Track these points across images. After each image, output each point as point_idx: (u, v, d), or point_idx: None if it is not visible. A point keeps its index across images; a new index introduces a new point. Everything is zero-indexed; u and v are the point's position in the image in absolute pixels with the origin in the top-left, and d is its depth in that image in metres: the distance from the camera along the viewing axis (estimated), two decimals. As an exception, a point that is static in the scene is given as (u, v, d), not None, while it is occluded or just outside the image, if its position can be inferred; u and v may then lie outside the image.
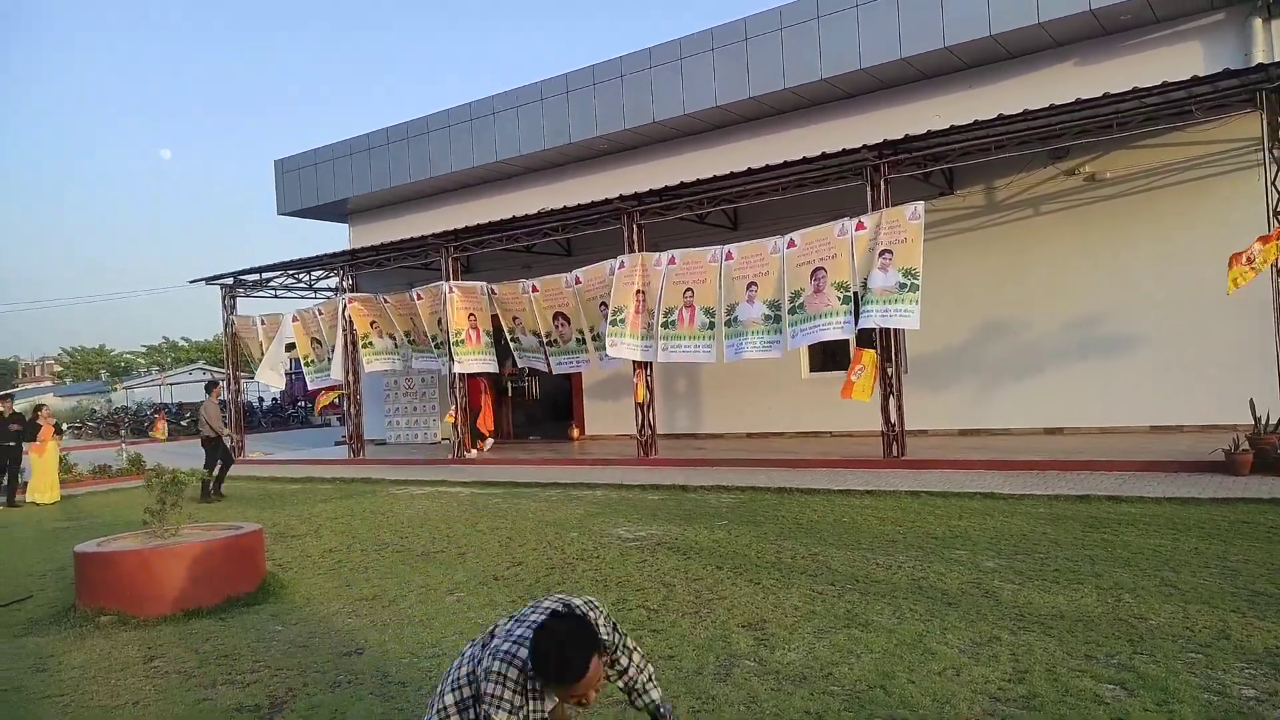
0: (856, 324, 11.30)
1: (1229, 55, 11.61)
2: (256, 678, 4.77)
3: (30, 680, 4.97)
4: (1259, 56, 11.25)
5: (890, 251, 11.04)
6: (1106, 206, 12.86)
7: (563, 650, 2.64)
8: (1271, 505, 7.56)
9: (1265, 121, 9.56)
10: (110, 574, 6.22)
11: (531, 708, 2.74)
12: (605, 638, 2.92)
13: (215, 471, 13.48)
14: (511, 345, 15.52)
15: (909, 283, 10.91)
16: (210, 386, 14.50)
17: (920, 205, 10.99)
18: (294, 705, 4.31)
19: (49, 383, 76.74)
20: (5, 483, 14.23)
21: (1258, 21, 11.56)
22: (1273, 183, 9.51)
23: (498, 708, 2.69)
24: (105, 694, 4.66)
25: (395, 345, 17.35)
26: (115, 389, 40.95)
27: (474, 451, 16.83)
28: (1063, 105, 10.25)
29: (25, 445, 14.54)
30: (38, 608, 6.83)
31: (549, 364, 15.04)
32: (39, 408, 15.25)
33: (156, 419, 33.26)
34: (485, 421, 18.21)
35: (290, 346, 18.49)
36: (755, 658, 4.55)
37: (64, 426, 23.13)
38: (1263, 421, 9.49)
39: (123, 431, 36.17)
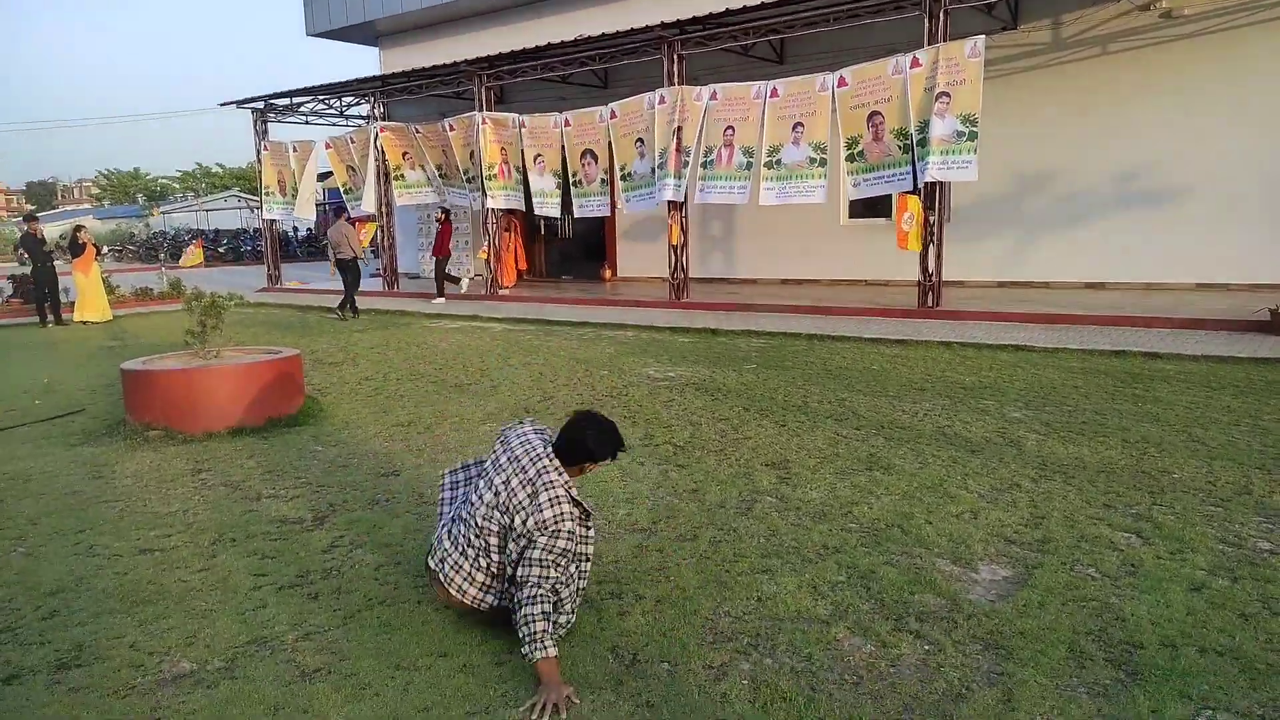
0: (915, 175, 10.89)
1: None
2: (299, 493, 5.00)
3: (87, 486, 5.26)
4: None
5: (948, 95, 10.48)
6: (1178, 47, 12.02)
7: (612, 429, 3.22)
8: (1312, 367, 7.43)
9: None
10: (156, 391, 6.44)
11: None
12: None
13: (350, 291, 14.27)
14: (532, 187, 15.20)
15: (967, 130, 10.41)
16: (339, 211, 15.29)
17: (980, 40, 10.34)
18: (334, 520, 4.53)
19: (87, 205, 77.50)
20: (49, 302, 14.62)
21: None
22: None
23: (566, 518, 3.07)
24: (157, 501, 4.92)
25: (428, 178, 17.12)
26: (153, 213, 41.22)
27: (506, 289, 16.89)
28: (1146, -69, 9.40)
29: (63, 265, 14.87)
30: (90, 420, 7.14)
31: (569, 207, 14.72)
32: (79, 228, 15.44)
33: (193, 245, 33.66)
34: (509, 262, 18.01)
35: (324, 176, 18.34)
36: (777, 494, 4.67)
37: (104, 248, 23.50)
38: (1316, 282, 9.20)
39: (161, 256, 36.71)
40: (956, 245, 13.15)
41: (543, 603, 2.96)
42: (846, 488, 4.73)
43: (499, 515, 3.16)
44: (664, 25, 13.05)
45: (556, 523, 3.04)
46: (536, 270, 20.51)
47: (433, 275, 16.13)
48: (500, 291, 16.35)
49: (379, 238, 18.67)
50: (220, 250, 35.88)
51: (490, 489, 3.22)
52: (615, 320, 12.19)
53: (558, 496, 3.07)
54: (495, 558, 3.17)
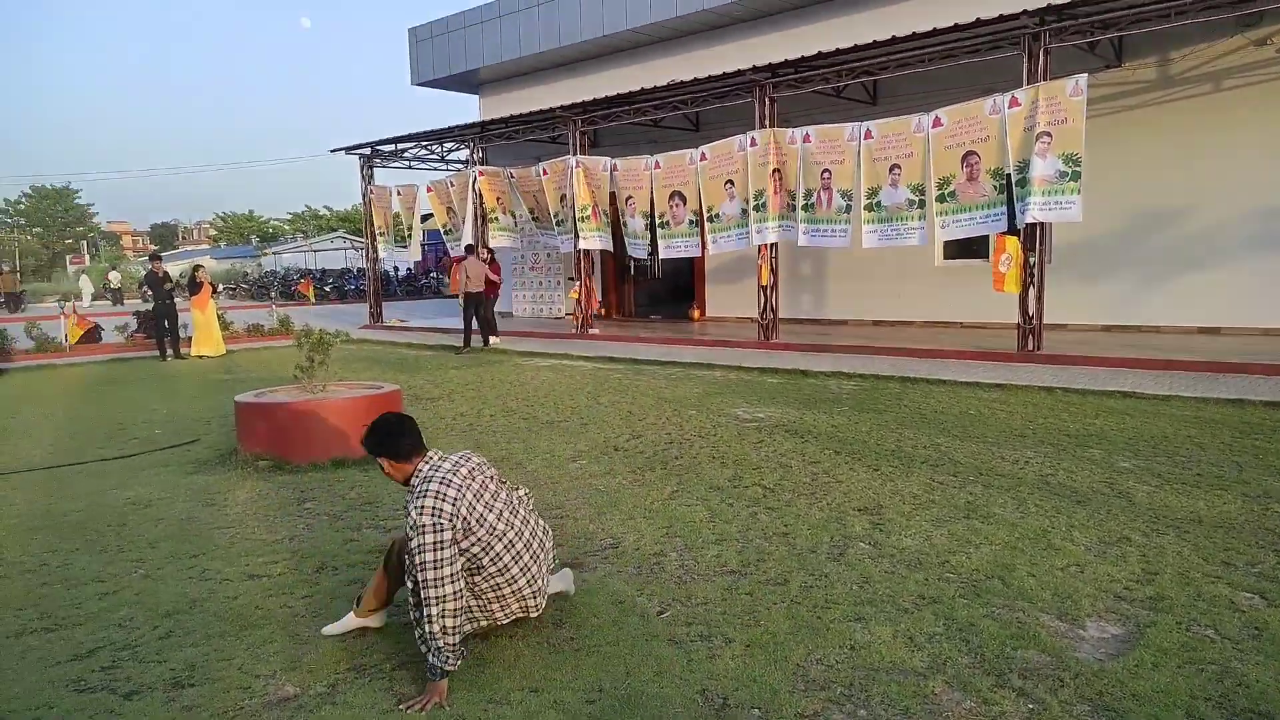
0: (1013, 216, 10.65)
1: None
2: (396, 524, 5.14)
3: (201, 512, 5.53)
4: None
5: (1049, 134, 10.24)
6: (1300, 83, 11.47)
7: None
8: None
9: None
10: (266, 423, 6.75)
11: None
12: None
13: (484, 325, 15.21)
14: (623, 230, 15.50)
15: (1070, 170, 10.13)
16: (470, 249, 16.13)
17: (1083, 79, 10.08)
18: (430, 552, 4.63)
19: (205, 245, 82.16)
20: (169, 337, 15.49)
21: None
22: None
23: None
24: (264, 529, 5.13)
25: (515, 223, 17.64)
26: (265, 254, 43.45)
27: (596, 328, 17.12)
28: (1262, -36, 9.07)
29: (181, 302, 15.76)
30: (205, 450, 7.52)
31: (655, 248, 14.88)
32: (197, 267, 16.38)
33: (302, 282, 35.21)
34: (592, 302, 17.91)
35: (426, 218, 19.08)
36: (870, 541, 4.58)
37: (220, 286, 24.84)
38: None
39: (272, 294, 38.54)
40: (1059, 287, 12.73)
41: (438, 604, 3.10)
42: (943, 536, 4.60)
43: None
44: (755, 69, 13.17)
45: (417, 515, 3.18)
46: (626, 310, 20.74)
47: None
48: (591, 330, 16.57)
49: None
50: (326, 289, 37.47)
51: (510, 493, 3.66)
52: (703, 360, 12.21)
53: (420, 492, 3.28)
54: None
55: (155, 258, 16.82)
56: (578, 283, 16.64)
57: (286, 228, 76.55)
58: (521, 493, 3.74)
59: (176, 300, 15.67)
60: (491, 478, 3.53)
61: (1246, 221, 11.93)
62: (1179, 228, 12.51)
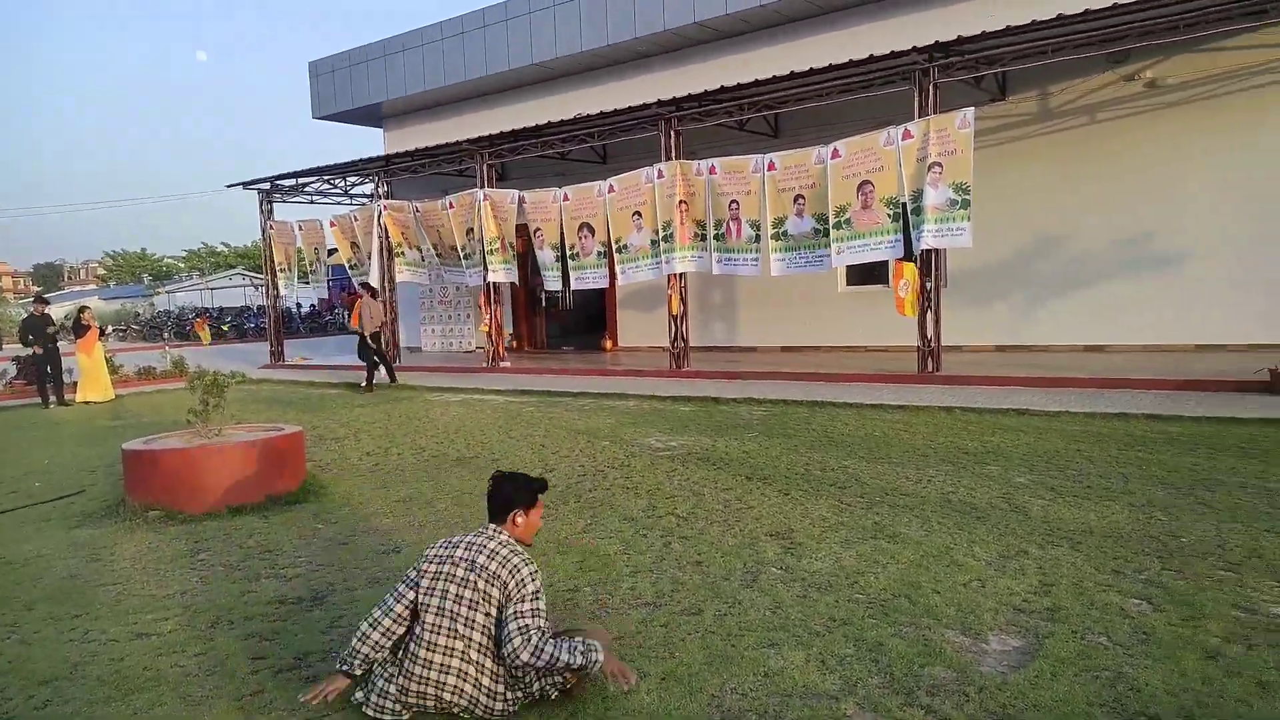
0: (909, 243, 11.05)
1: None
2: (298, 572, 4.94)
3: (84, 569, 5.20)
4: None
5: (940, 165, 10.70)
6: (1165, 115, 12.30)
7: (524, 478, 3.45)
8: (1316, 427, 7.40)
9: (1344, 23, 8.99)
10: (157, 471, 6.42)
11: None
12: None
13: (376, 363, 14.46)
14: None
15: (960, 199, 10.61)
16: (366, 287, 15.56)
17: (970, 112, 10.58)
18: (334, 599, 4.47)
19: (93, 285, 78.37)
20: (52, 382, 14.66)
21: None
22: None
23: (533, 576, 3.20)
24: (154, 584, 4.86)
25: (422, 258, 17.40)
26: (157, 293, 41.73)
27: (508, 361, 16.96)
28: (1126, 4, 9.70)
29: (67, 345, 14.96)
30: (89, 502, 7.10)
31: (565, 280, 14.92)
32: (82, 309, 15.59)
33: (197, 321, 33.91)
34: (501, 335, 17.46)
35: (332, 252, 18.65)
36: (782, 565, 4.61)
37: (108, 328, 23.67)
38: (1314, 342, 9.23)
39: (166, 334, 36.97)
40: (955, 311, 13.25)
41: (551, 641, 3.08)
42: (852, 557, 4.68)
43: (477, 597, 3.15)
44: (660, 103, 13.38)
45: (531, 577, 3.18)
46: (537, 342, 20.63)
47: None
48: (502, 364, 16.41)
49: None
50: (224, 328, 36.16)
51: (456, 584, 3.18)
52: (616, 390, 12.21)
53: (514, 552, 3.24)
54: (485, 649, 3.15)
55: (40, 300, 15.95)
56: (487, 316, 16.48)
57: (182, 265, 73.76)
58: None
59: (61, 344, 14.85)
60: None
61: (1124, 245, 12.65)
62: (1063, 252, 13.19)
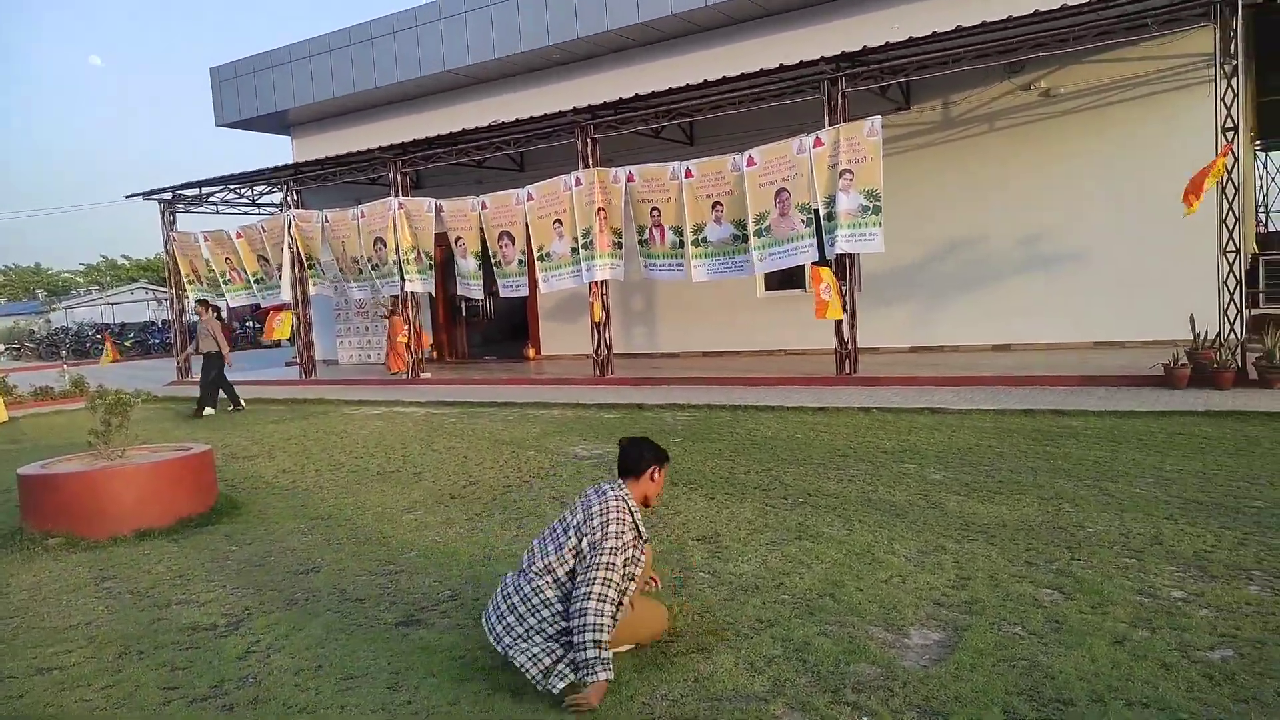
0: (823, 248, 11.29)
1: (1187, -31, 11.52)
2: (212, 597, 4.75)
3: (-23, 604, 4.90)
4: (1216, -30, 11.17)
5: (851, 171, 10.98)
6: (1059, 122, 12.88)
7: (650, 442, 3.72)
8: (1205, 417, 7.84)
9: (1217, 36, 9.57)
10: (56, 496, 6.10)
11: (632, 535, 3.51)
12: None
13: (213, 384, 13.46)
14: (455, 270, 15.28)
15: (871, 205, 10.91)
16: (204, 303, 14.41)
17: (877, 120, 10.90)
18: (250, 623, 4.31)
19: (-18, 303, 74.09)
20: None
21: (1217, -66, 11.45)
22: (1222, 99, 9.57)
23: (617, 537, 3.41)
24: (56, 615, 4.61)
25: (323, 272, 16.94)
26: (54, 309, 39.72)
27: (428, 372, 16.68)
28: (1021, 17, 10.15)
29: None
30: (-18, 532, 6.69)
31: (486, 289, 14.77)
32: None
33: (105, 340, 32.40)
34: (399, 349, 16.98)
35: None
36: (709, 569, 4.65)
37: (0, 348, 22.38)
38: (1201, 337, 9.78)
39: (63, 353, 35.21)
40: (869, 313, 13.61)
41: (608, 608, 3.28)
42: (778, 559, 4.74)
43: (564, 548, 3.45)
44: (576, 110, 13.38)
45: (616, 520, 3.41)
46: (459, 352, 20.36)
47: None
48: (422, 375, 16.13)
49: (296, 326, 18.29)
50: (127, 344, 34.62)
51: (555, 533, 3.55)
52: (540, 399, 12.13)
53: (615, 506, 3.47)
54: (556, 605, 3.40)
55: None
56: (406, 326, 16.19)
57: (80, 280, 70.34)
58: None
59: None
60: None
61: (1026, 247, 13.20)
62: (968, 254, 13.67)
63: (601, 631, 3.24)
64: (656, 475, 3.66)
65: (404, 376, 16.27)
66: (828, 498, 5.95)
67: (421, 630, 4.07)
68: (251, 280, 17.79)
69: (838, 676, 3.32)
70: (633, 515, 3.53)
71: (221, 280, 18.22)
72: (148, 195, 19.25)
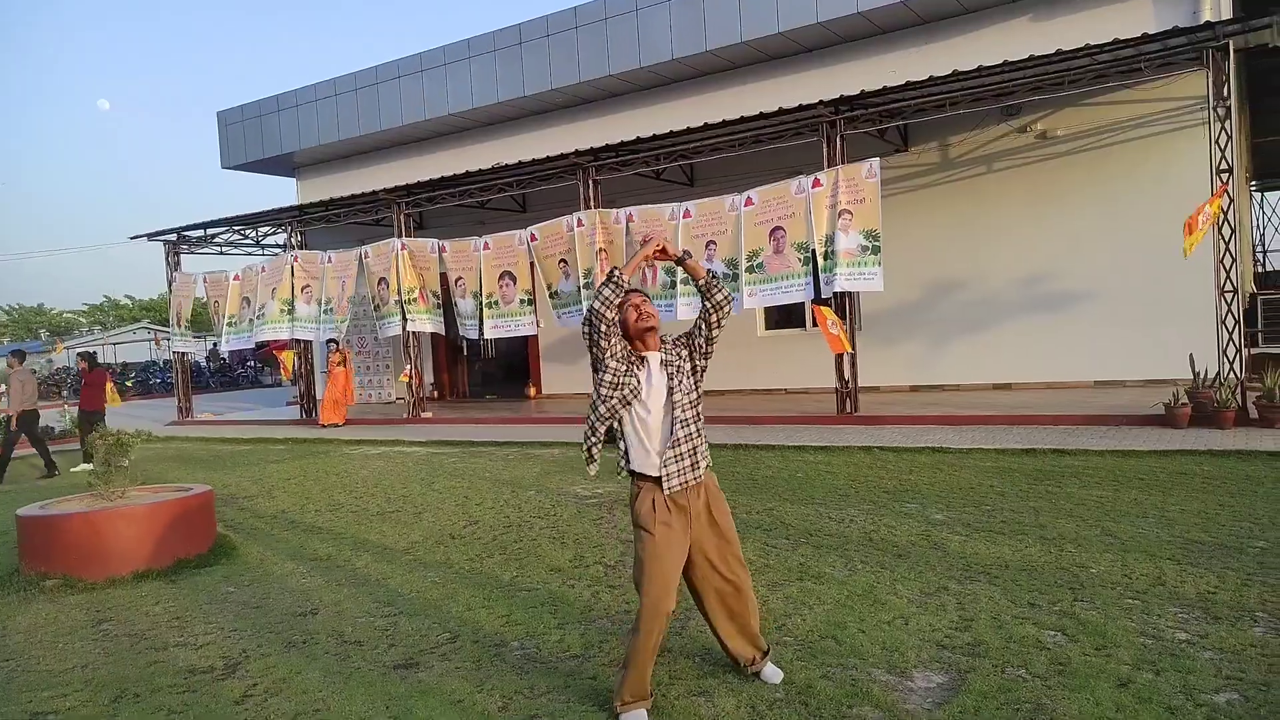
0: (821, 286, 11.34)
1: (1178, 13, 11.73)
2: (209, 639, 4.72)
3: (-27, 647, 4.87)
4: (1206, 14, 11.38)
5: (850, 212, 11.08)
6: (1056, 164, 13.02)
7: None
8: (1207, 456, 7.82)
9: (1210, 80, 9.71)
10: (54, 538, 6.09)
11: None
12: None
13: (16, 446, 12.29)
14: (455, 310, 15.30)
15: (870, 244, 11.00)
16: (17, 354, 13.17)
17: (876, 162, 11.02)
18: (248, 666, 4.28)
19: (-15, 342, 74.30)
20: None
21: (1206, -20, 11.68)
22: (1216, 141, 9.69)
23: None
24: (52, 658, 4.58)
25: (321, 312, 16.85)
26: (57, 349, 39.84)
27: (429, 411, 16.68)
28: (1016, 62, 10.30)
29: None
30: (-21, 573, 6.66)
31: (482, 329, 14.75)
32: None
33: (109, 378, 32.42)
34: (337, 398, 16.21)
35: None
36: (710, 611, 4.61)
37: (2, 388, 22.43)
38: (1201, 376, 9.78)
39: (65, 392, 35.21)
40: (869, 352, 13.64)
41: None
42: (779, 600, 4.71)
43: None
44: (578, 153, 13.55)
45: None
46: (460, 391, 20.38)
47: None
48: (423, 414, 16.12)
49: (298, 366, 18.35)
50: (128, 384, 34.65)
51: None
52: (541, 438, 12.12)
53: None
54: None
55: None
56: (408, 366, 16.23)
57: (82, 320, 70.57)
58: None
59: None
60: None
61: (1024, 287, 13.26)
62: (968, 294, 13.74)
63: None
64: (626, 309, 3.60)
65: (405, 416, 16.25)
66: (829, 538, 5.92)
67: (420, 673, 4.04)
68: (226, 323, 17.86)
69: (840, 720, 3.29)
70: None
71: (230, 323, 18.31)
72: (153, 236, 19.43)
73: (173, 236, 19.38)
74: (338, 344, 16.74)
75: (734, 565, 3.63)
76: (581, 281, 13.35)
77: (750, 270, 11.84)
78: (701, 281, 3.64)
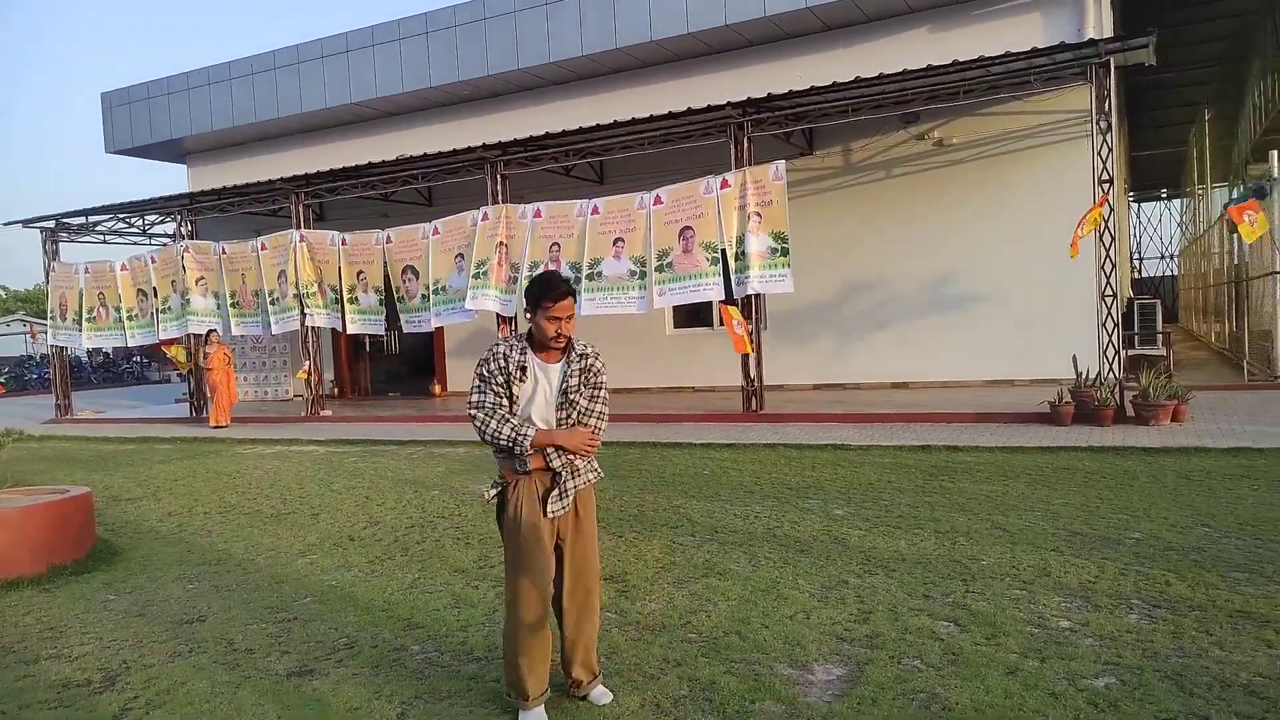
0: (734, 288, 11.46)
1: (1065, 31, 12.32)
2: (86, 650, 4.45)
3: None
4: (1090, 32, 12.00)
5: (759, 214, 11.25)
6: (952, 171, 13.52)
7: (550, 276, 3.57)
8: (1089, 453, 8.24)
9: (1093, 94, 10.23)
10: (-89, 545, 5.63)
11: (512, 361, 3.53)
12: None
13: None
14: (348, 305, 14.78)
15: (779, 246, 11.19)
16: None
17: (782, 164, 11.22)
18: (128, 678, 4.05)
19: None
20: None
21: (1090, -1, 12.33)
22: (1098, 152, 10.22)
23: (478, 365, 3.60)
24: (-94, 676, 4.23)
25: (217, 305, 16.20)
26: (-84, 341, 37.09)
27: (328, 409, 16.17)
28: (914, 71, 10.65)
29: None
30: None
31: (392, 324, 14.40)
32: None
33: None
34: (221, 400, 15.36)
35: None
36: (616, 609, 4.60)
37: None
38: (1083, 376, 10.32)
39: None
40: (775, 351, 13.88)
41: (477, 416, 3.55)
42: (684, 596, 4.73)
43: None
44: (486, 146, 13.36)
45: (479, 363, 3.61)
46: (361, 389, 19.84)
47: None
48: (322, 412, 15.62)
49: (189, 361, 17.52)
50: (1, 379, 32.50)
51: None
52: (446, 437, 11.89)
53: (491, 345, 3.62)
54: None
55: None
56: (307, 362, 15.69)
57: (-52, 311, 65.89)
58: None
59: None
60: None
61: (923, 289, 13.72)
62: (870, 295, 14.14)
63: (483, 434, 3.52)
64: (535, 314, 3.51)
65: (302, 414, 15.72)
66: (734, 534, 5.99)
67: (316, 681, 3.90)
68: (124, 316, 16.93)
69: (743, 714, 3.32)
70: (506, 355, 3.53)
71: (87, 317, 17.31)
72: (28, 223, 18.26)
73: (50, 224, 18.24)
74: (219, 335, 15.87)
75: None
76: (472, 272, 13.06)
77: (659, 269, 11.88)
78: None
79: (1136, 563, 4.88)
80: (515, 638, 3.40)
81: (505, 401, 3.50)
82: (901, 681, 3.52)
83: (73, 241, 18.96)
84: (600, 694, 3.55)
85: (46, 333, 18.06)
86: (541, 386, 3.51)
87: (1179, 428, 9.33)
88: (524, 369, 3.50)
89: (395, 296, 14.29)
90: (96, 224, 18.56)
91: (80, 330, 17.44)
